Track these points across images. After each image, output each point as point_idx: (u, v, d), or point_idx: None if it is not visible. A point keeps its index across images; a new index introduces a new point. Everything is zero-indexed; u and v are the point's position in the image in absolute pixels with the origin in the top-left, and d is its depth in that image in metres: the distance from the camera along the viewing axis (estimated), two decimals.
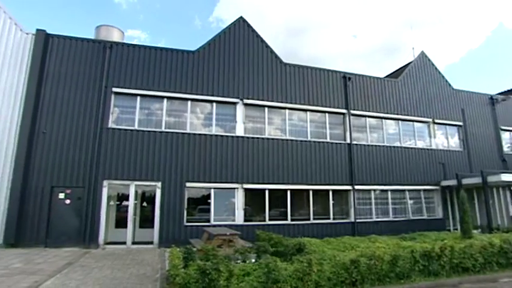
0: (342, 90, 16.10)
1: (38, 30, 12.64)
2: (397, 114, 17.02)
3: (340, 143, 15.44)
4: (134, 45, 13.68)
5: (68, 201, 11.83)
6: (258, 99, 14.47)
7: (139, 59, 13.42)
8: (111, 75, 12.95)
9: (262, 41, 15.20)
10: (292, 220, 13.97)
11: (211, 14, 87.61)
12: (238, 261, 7.91)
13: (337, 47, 74.42)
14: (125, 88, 12.99)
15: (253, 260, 8.21)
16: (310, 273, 6.49)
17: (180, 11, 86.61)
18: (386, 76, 21.03)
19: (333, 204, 14.85)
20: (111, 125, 12.62)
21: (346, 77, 16.23)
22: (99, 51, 13.07)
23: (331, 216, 14.68)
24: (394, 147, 16.49)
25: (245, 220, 13.35)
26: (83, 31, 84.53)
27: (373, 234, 13.26)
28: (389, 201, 15.87)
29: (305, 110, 15.30)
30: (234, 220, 13.24)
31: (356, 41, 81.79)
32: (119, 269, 8.47)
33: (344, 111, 15.88)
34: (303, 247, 8.96)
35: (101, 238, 11.80)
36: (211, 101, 13.97)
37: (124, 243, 12.04)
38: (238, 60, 14.58)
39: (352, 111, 15.96)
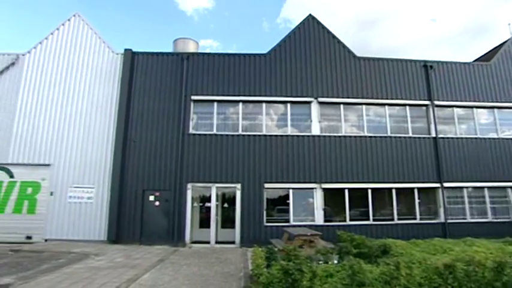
0: (424, 80, 14.88)
1: (125, 49, 14.09)
2: (491, 101, 15.12)
3: (424, 137, 14.28)
4: (208, 54, 14.43)
5: (157, 203, 12.93)
6: (332, 97, 14.12)
7: (214, 66, 14.08)
8: (190, 84, 13.82)
9: (334, 36, 14.81)
10: (374, 220, 13.31)
11: (279, 15, 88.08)
12: (320, 262, 7.78)
13: (414, 35, 69.15)
14: (203, 95, 13.76)
15: (335, 261, 8.00)
16: (398, 277, 6.08)
17: (247, 16, 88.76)
18: (475, 60, 18.89)
19: (419, 203, 13.77)
20: (191, 131, 13.45)
21: (427, 66, 14.97)
22: (177, 63, 14.05)
23: (417, 216, 13.63)
24: (489, 138, 14.69)
25: (325, 220, 13.10)
26: (163, 45, 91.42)
27: (468, 236, 11.89)
28: (487, 199, 14.16)
29: (383, 105, 14.47)
30: (313, 220, 13.08)
31: (436, 26, 75.09)
32: (205, 267, 8.94)
33: (427, 102, 14.65)
34: (388, 249, 8.47)
35: (187, 237, 12.62)
36: (285, 102, 14.02)
37: (208, 242, 12.70)
38: (310, 58, 14.42)
39: (436, 102, 14.63)
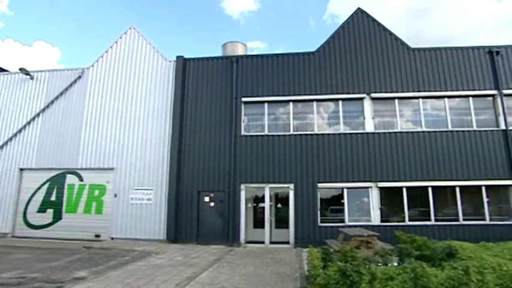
0: (489, 67, 13.66)
1: (177, 57, 14.72)
2: None
3: (491, 130, 13.11)
4: (257, 56, 14.57)
5: (212, 204, 13.32)
6: (386, 92, 13.52)
7: (263, 67, 14.19)
8: (240, 86, 14.06)
9: (385, 29, 14.19)
10: (436, 221, 12.50)
11: (325, 12, 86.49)
12: (379, 264, 7.49)
13: (474, 20, 63.94)
14: (253, 97, 13.93)
15: (395, 264, 7.64)
16: (467, 282, 5.60)
17: (293, 15, 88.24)
18: None
19: (488, 202, 12.67)
20: (243, 132, 13.67)
21: (492, 52, 13.71)
22: (227, 67, 14.37)
23: (487, 216, 12.54)
24: None
25: (381, 220, 12.58)
26: (212, 50, 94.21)
27: None
28: None
29: (441, 97, 13.54)
30: (368, 220, 12.62)
31: (500, 6, 68.74)
32: (260, 267, 9.01)
33: (493, 92, 13.41)
34: (454, 252, 7.89)
35: (242, 237, 12.84)
36: (336, 99, 13.71)
37: (262, 242, 12.81)
38: (360, 53, 13.96)
39: (505, 91, 13.34)
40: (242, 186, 13.18)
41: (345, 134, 13.28)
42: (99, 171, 14.50)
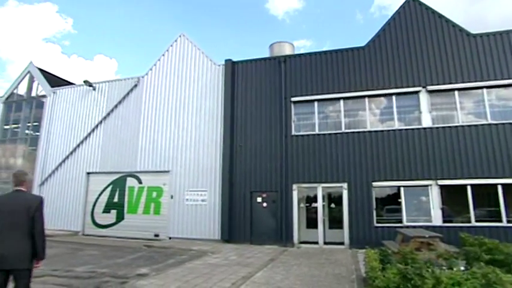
0: None
1: (226, 60, 15.03)
2: None
3: None
4: (304, 54, 14.39)
5: (264, 204, 13.40)
6: (444, 83, 12.61)
7: (311, 66, 13.99)
8: (289, 86, 13.99)
9: (440, 16, 13.26)
10: (508, 222, 11.41)
11: (372, 4, 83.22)
12: (444, 268, 7.01)
13: None
14: (302, 96, 13.78)
15: (462, 268, 7.11)
16: None
17: (339, 11, 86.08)
18: None
19: None
20: (294, 132, 13.58)
21: None
22: (275, 67, 14.38)
23: None
24: None
25: (443, 221, 11.78)
26: (260, 51, 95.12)
27: None
28: None
29: (510, 85, 12.35)
30: (428, 221, 11.86)
31: None
32: (315, 267, 8.87)
33: None
34: None
35: (295, 238, 12.75)
36: (389, 94, 13.09)
37: (316, 242, 12.62)
38: (414, 44, 13.19)
39: None
40: (294, 186, 13.10)
41: (400, 130, 12.64)
42: (156, 174, 15.27)
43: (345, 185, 12.59)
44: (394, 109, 12.97)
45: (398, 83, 12.98)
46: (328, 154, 13.00)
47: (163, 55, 16.38)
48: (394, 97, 13.03)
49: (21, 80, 20.52)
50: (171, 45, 16.33)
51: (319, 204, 12.88)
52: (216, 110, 14.75)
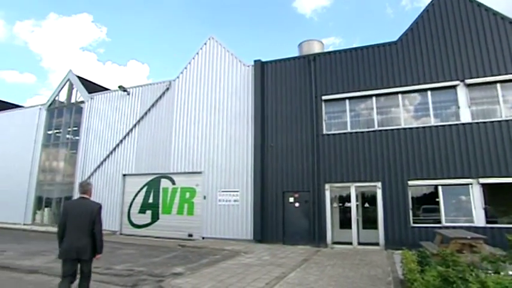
0: None
1: (255, 61, 15.08)
2: None
3: None
4: (334, 52, 14.14)
5: (297, 204, 13.30)
6: (484, 76, 11.91)
7: (342, 63, 13.74)
8: (319, 84, 13.82)
9: (479, 4, 12.52)
10: None
11: None
12: (489, 272, 6.63)
13: None
14: (333, 94, 13.56)
15: (510, 272, 6.69)
16: None
17: (368, 6, 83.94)
18: None
19: None
20: (325, 131, 13.40)
21: None
22: (305, 66, 14.25)
23: None
24: None
25: (487, 222, 11.16)
26: (289, 51, 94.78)
27: None
28: None
29: None
30: (469, 221, 11.25)
31: None
32: (349, 269, 8.70)
33: None
34: None
35: (329, 238, 12.56)
36: (424, 90, 12.56)
37: (350, 243, 12.36)
38: (450, 36, 12.57)
39: None
40: (327, 186, 12.92)
41: (436, 126, 12.12)
42: (189, 175, 15.58)
43: (379, 184, 12.25)
44: (430, 105, 12.44)
45: (434, 78, 12.45)
46: (361, 153, 12.71)
47: (193, 58, 16.69)
48: (429, 92, 12.51)
49: (61, 88, 21.64)
50: (201, 48, 16.60)
51: (353, 204, 12.61)
52: (247, 110, 14.83)
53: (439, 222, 11.50)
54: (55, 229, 15.83)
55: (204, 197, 14.88)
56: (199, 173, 15.27)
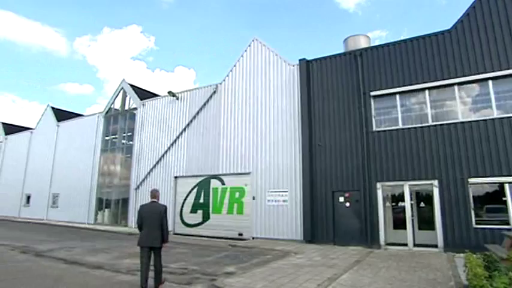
0: None
1: (300, 60, 14.95)
2: None
3: None
4: (382, 46, 13.57)
5: (347, 204, 12.97)
6: None
7: (390, 57, 13.16)
8: (367, 80, 13.37)
9: None
10: None
11: None
12: None
13: None
14: (382, 89, 13.03)
15: None
16: None
17: None
18: None
19: None
20: (375, 128, 12.93)
21: None
22: (351, 62, 13.85)
23: None
24: None
25: None
26: (334, 47, 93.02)
27: None
28: None
29: None
30: None
31: None
32: (406, 271, 8.29)
33: None
34: None
35: (382, 239, 12.08)
36: (484, 79, 11.57)
37: (404, 244, 11.79)
38: None
39: None
40: (378, 185, 12.44)
41: (500, 118, 11.12)
42: (238, 176, 15.84)
43: (436, 182, 11.54)
44: (492, 95, 11.46)
45: (495, 66, 11.45)
46: (414, 149, 12.07)
47: (238, 61, 16.94)
48: (490, 82, 11.54)
49: (116, 96, 23.06)
50: (245, 50, 16.80)
51: (407, 203, 12.01)
52: (293, 110, 14.75)
53: (508, 223, 10.55)
54: (115, 228, 17.12)
55: (253, 198, 15.02)
56: (248, 173, 15.45)
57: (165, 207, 6.92)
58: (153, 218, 6.62)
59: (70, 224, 21.78)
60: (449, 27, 12.42)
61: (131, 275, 8.01)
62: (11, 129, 33.97)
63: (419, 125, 12.21)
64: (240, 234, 15.10)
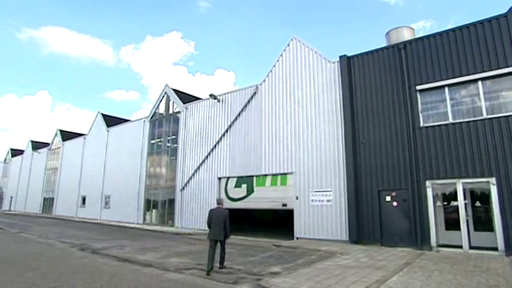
0: None
1: (340, 56, 14.62)
2: None
3: None
4: (427, 37, 12.86)
5: (394, 204, 12.47)
6: None
7: (437, 48, 12.46)
8: (412, 74, 12.76)
9: None
10: None
11: None
12: None
13: None
14: (429, 83, 12.34)
15: None
16: None
17: None
18: None
19: None
20: (422, 124, 12.31)
21: None
22: (394, 55, 13.31)
23: None
24: None
25: None
26: (376, 42, 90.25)
27: None
28: None
29: None
30: None
31: None
32: (462, 276, 7.78)
33: None
34: None
35: (433, 240, 11.45)
36: None
37: (459, 246, 11.07)
38: None
39: None
40: (428, 183, 11.81)
41: None
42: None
43: (493, 180, 10.71)
44: None
45: None
46: (467, 145, 11.30)
47: (277, 60, 16.91)
48: None
49: (160, 101, 23.98)
50: (284, 50, 16.73)
51: (460, 202, 11.27)
52: (335, 108, 14.46)
53: None
54: (162, 228, 17.89)
55: (297, 198, 14.90)
56: (291, 173, 15.37)
57: (227, 211, 8.96)
58: (219, 219, 8.68)
59: (121, 224, 22.97)
60: (504, 12, 11.50)
61: (179, 273, 8.26)
62: (67, 135, 36.80)
63: (472, 119, 11.42)
64: (284, 205, 15.22)
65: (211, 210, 9.07)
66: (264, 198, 16.23)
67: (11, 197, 46.14)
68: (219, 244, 8.68)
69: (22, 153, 46.05)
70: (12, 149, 50.85)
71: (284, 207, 15.31)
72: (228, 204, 17.31)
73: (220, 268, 8.62)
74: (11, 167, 48.60)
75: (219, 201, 9.41)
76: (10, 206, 45.88)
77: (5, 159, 51.92)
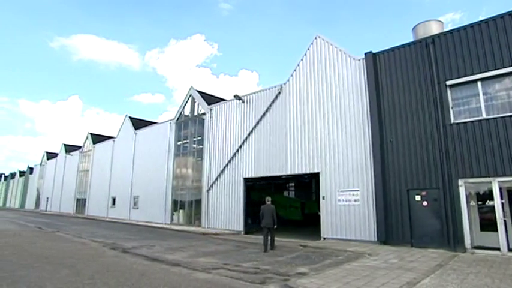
0: None
1: (365, 53, 14.33)
2: None
3: None
4: (458, 29, 12.34)
5: (425, 203, 12.07)
6: None
7: (468, 41, 11.94)
8: (441, 69, 12.31)
9: None
10: None
11: None
12: None
13: None
14: (460, 78, 11.87)
15: None
16: None
17: None
18: None
19: None
20: (453, 120, 11.85)
21: None
22: (422, 50, 12.89)
23: None
24: None
25: None
26: (404, 38, 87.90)
27: None
28: None
29: None
30: None
31: None
32: (501, 279, 7.39)
33: None
34: None
35: (467, 241, 10.99)
36: None
37: (496, 249, 10.54)
38: None
39: None
40: (460, 182, 11.36)
41: None
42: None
43: None
44: None
45: None
46: (503, 141, 10.75)
47: (301, 59, 16.79)
48: None
49: (185, 103, 24.37)
50: (308, 49, 16.59)
51: (497, 202, 10.72)
52: (361, 105, 14.19)
53: None
54: (190, 228, 18.29)
55: (323, 198, 14.73)
56: (317, 173, 15.21)
57: (274, 206, 12.45)
58: (268, 212, 12.21)
59: (149, 224, 23.52)
60: None
61: (206, 273, 8.34)
62: (97, 138, 38.19)
63: (508, 114, 10.87)
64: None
65: (262, 206, 12.37)
66: None
67: (47, 198, 48.36)
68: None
69: (56, 156, 48.22)
70: (47, 152, 53.37)
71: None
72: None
73: (271, 249, 12.01)
74: (47, 170, 51.00)
75: (267, 199, 12.62)
76: (46, 206, 48.09)
77: (41, 162, 54.50)
